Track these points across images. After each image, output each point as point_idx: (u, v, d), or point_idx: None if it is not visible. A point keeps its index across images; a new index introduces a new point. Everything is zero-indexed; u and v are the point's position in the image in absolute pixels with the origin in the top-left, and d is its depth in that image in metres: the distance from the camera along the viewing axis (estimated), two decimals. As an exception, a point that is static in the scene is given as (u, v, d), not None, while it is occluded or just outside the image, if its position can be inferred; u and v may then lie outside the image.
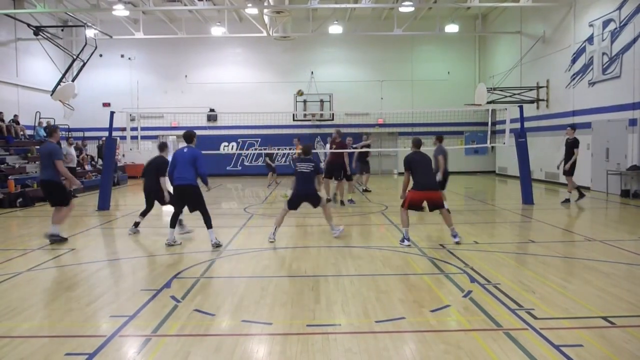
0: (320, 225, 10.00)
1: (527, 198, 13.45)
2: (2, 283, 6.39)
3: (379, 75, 26.28)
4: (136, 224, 9.83)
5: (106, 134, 14.30)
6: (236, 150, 25.61)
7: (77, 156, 20.20)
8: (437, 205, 8.27)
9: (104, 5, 20.92)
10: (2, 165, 16.02)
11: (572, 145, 13.41)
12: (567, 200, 13.58)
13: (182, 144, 9.10)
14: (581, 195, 13.50)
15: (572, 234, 9.31)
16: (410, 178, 8.41)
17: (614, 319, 4.80)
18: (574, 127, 13.82)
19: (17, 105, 20.71)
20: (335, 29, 22.70)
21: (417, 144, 8.66)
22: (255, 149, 25.83)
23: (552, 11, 19.24)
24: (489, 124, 17.68)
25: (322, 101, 25.41)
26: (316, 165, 8.97)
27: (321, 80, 25.90)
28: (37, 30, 19.38)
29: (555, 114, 19.26)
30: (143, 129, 17.26)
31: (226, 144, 25.42)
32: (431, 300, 5.46)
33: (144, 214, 9.98)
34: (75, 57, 20.08)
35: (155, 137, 25.80)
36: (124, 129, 16.54)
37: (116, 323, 4.85)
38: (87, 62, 20.21)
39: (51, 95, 18.86)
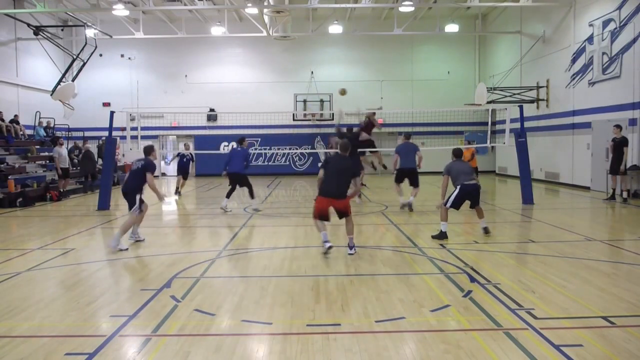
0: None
1: (527, 198, 13.45)
2: (2, 283, 6.39)
3: (379, 75, 26.27)
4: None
5: (106, 133, 14.30)
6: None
7: (77, 155, 20.21)
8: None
9: (104, 5, 20.92)
10: (2, 165, 16.02)
11: (621, 144, 13.23)
12: (626, 200, 13.41)
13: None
14: (612, 197, 13.58)
15: (572, 233, 9.31)
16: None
17: (614, 318, 4.80)
18: (619, 126, 13.55)
19: (17, 105, 20.70)
20: (335, 28, 22.68)
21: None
22: (255, 149, 25.81)
23: (552, 11, 19.24)
24: (489, 123, 17.68)
25: (322, 101, 25.42)
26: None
27: (321, 80, 25.89)
28: (37, 30, 19.37)
29: (555, 114, 19.25)
30: (143, 128, 17.27)
31: (226, 144, 25.36)
32: (431, 300, 5.46)
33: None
34: (75, 56, 20.07)
35: (155, 137, 25.81)
36: (124, 129, 16.54)
37: (116, 323, 4.85)
38: (87, 61, 20.20)
39: (51, 95, 18.86)
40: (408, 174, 12.63)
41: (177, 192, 16.81)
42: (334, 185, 7.48)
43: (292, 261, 7.43)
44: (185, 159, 16.88)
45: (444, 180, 8.95)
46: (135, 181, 8.56)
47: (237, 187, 12.68)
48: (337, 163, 7.61)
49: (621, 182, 13.54)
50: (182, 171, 16.95)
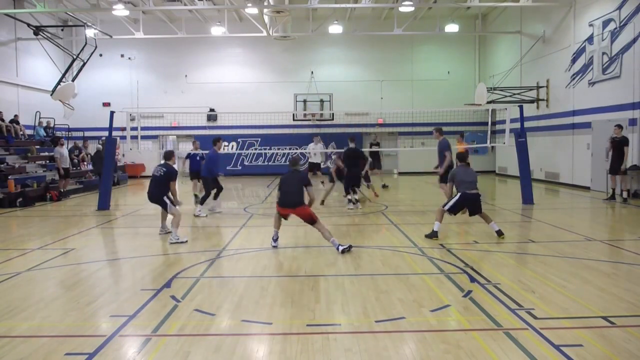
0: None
1: (527, 198, 13.45)
2: (2, 283, 6.40)
3: (378, 75, 26.28)
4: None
5: (106, 133, 14.30)
6: (236, 150, 25.64)
7: (77, 155, 20.21)
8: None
9: (104, 5, 20.91)
10: (2, 165, 16.01)
11: (621, 144, 13.28)
12: (625, 200, 13.46)
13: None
14: (612, 197, 13.63)
15: (572, 233, 9.31)
16: None
17: (614, 318, 4.80)
18: (620, 125, 13.63)
19: (17, 105, 20.70)
20: (335, 28, 22.68)
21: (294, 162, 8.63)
22: (255, 149, 25.83)
23: (552, 11, 19.24)
24: (489, 123, 17.67)
25: (322, 101, 25.40)
26: None
27: (321, 80, 25.89)
28: (37, 30, 19.37)
29: (555, 114, 19.25)
30: (143, 128, 17.22)
31: (226, 143, 25.37)
32: (431, 300, 5.46)
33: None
34: (75, 56, 20.06)
35: (155, 137, 25.83)
36: (124, 129, 16.53)
37: (116, 323, 4.85)
38: (87, 61, 20.19)
39: (51, 95, 18.85)
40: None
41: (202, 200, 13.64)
42: (287, 195, 8.04)
43: (292, 261, 7.44)
44: (198, 157, 14.60)
45: (449, 187, 9.11)
46: (159, 189, 9.18)
47: (219, 188, 12.45)
48: (289, 177, 8.24)
49: (621, 182, 13.55)
50: (198, 174, 14.10)
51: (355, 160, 13.00)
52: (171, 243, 8.71)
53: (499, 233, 8.67)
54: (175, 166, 9.62)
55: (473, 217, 9.08)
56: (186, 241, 8.82)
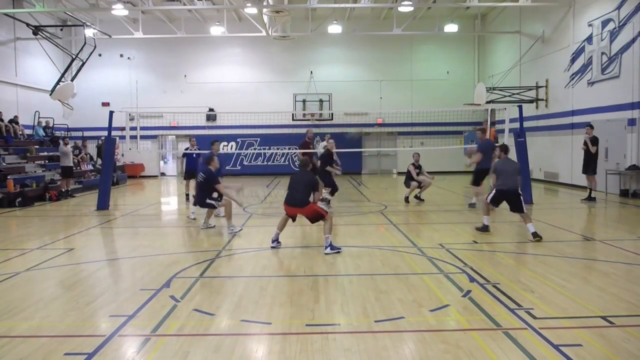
0: (319, 225, 9.97)
1: (527, 198, 13.42)
2: (1, 283, 6.39)
3: (378, 75, 26.28)
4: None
5: (105, 133, 14.29)
6: (235, 149, 25.63)
7: (77, 155, 20.19)
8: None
9: (103, 5, 20.90)
10: (1, 165, 15.99)
11: (594, 144, 13.66)
12: (594, 199, 13.74)
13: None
14: (592, 198, 13.75)
15: (571, 233, 9.32)
16: None
17: (613, 318, 4.80)
18: (592, 125, 14.00)
19: (16, 105, 20.69)
20: (335, 28, 22.68)
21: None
22: (254, 149, 25.83)
23: (551, 11, 19.25)
24: (489, 123, 17.66)
25: (321, 101, 25.41)
26: None
27: (320, 80, 25.89)
28: (36, 30, 19.35)
29: (554, 114, 19.26)
30: (142, 128, 17.27)
31: (225, 143, 25.39)
32: (430, 300, 5.46)
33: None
34: (74, 56, 20.05)
35: (155, 136, 25.82)
36: (123, 129, 16.51)
37: (115, 323, 4.85)
38: (86, 61, 20.17)
39: (50, 94, 18.83)
40: (486, 173, 12.50)
41: (188, 197, 14.55)
42: (293, 195, 8.11)
43: (291, 261, 7.43)
44: (194, 155, 14.48)
45: (492, 179, 9.13)
46: (200, 194, 9.78)
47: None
48: (298, 177, 8.32)
49: (592, 181, 13.87)
50: (193, 173, 13.14)
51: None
52: (229, 233, 9.44)
53: (535, 235, 8.36)
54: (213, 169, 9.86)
55: (474, 217, 9.10)
56: (240, 230, 9.59)
